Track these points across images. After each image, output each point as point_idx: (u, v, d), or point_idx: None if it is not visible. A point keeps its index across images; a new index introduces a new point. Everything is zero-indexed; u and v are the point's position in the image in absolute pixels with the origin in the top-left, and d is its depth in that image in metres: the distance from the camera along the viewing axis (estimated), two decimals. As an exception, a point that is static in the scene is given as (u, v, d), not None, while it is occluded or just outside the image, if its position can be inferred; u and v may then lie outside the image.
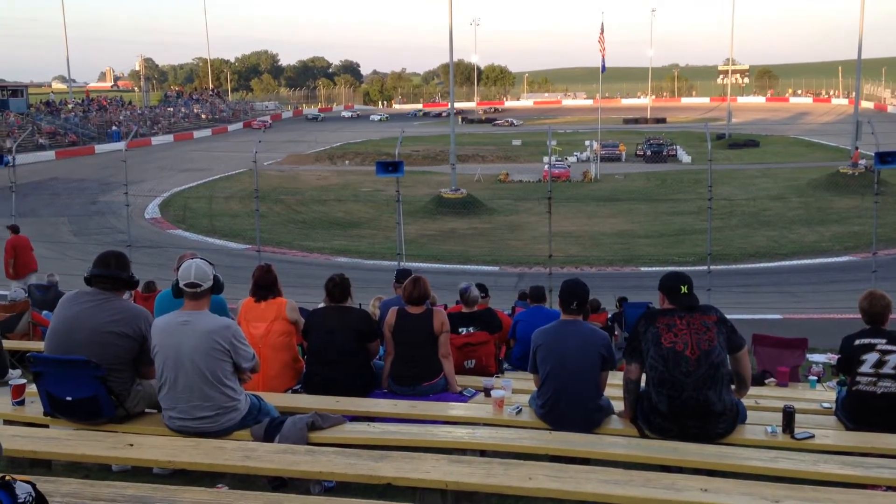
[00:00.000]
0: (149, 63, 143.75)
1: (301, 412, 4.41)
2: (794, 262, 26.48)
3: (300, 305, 5.92)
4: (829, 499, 3.24)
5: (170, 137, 70.74)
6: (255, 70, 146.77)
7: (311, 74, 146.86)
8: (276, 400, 4.82)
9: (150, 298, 8.81)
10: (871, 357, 4.71)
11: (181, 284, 4.22)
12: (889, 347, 4.70)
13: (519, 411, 4.81)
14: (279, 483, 4.05)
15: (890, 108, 79.91)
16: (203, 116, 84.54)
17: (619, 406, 4.77)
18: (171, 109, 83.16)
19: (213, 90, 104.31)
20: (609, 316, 13.85)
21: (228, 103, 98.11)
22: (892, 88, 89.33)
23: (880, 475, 3.73)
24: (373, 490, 3.74)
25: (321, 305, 5.95)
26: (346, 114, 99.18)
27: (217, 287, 4.35)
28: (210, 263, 4.38)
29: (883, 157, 16.30)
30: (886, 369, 4.67)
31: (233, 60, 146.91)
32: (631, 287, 18.65)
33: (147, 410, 4.48)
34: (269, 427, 4.19)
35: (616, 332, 12.78)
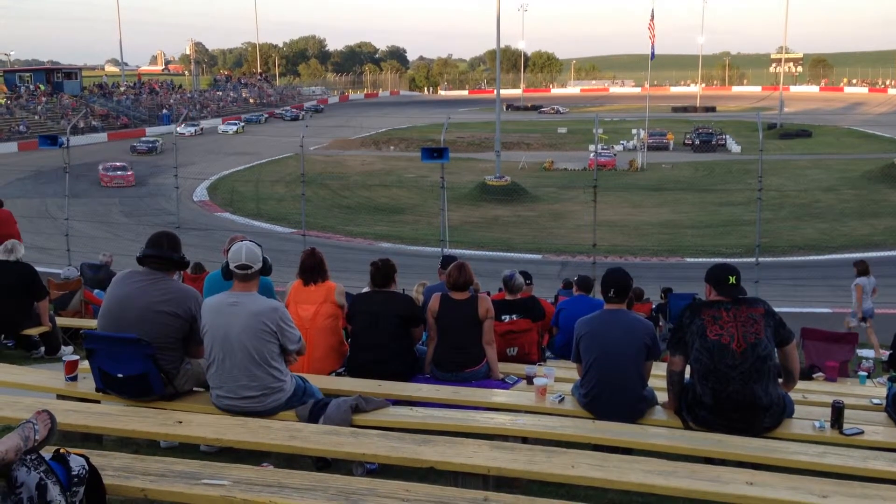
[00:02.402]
0: (199, 47, 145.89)
1: (345, 395, 4.45)
2: (845, 256, 25.85)
3: (346, 290, 5.98)
4: (878, 496, 3.18)
5: (218, 121, 71.65)
6: (303, 55, 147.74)
7: (357, 60, 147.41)
8: (320, 382, 4.87)
9: (199, 280, 8.98)
10: (926, 354, 4.59)
11: (232, 266, 4.28)
12: (944, 344, 4.58)
13: (561, 400, 4.80)
14: (323, 463, 4.10)
15: (950, 99, 77.49)
16: (251, 101, 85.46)
17: (662, 397, 4.73)
18: (220, 93, 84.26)
19: (261, 75, 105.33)
20: (654, 306, 13.74)
21: (276, 88, 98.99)
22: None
23: (932, 474, 3.64)
24: (414, 473, 3.78)
25: (365, 290, 6.00)
26: (225, 127, 67.54)
27: (266, 269, 4.41)
28: (259, 245, 4.44)
29: (942, 149, 15.80)
30: (941, 366, 4.56)
31: (281, 45, 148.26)
32: (676, 278, 18.45)
33: (195, 389, 4.57)
34: (314, 408, 4.25)
35: (661, 323, 12.68)
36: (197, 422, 4.03)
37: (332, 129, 55.94)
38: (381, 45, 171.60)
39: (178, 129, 34.06)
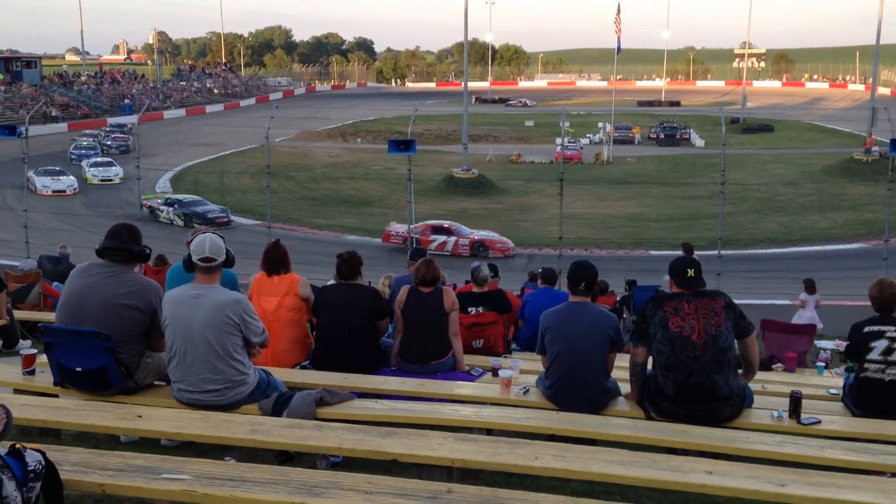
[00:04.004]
0: (162, 36, 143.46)
1: (309, 388, 4.44)
2: (805, 249, 26.37)
3: (310, 282, 5.95)
4: (834, 484, 3.24)
5: (182, 112, 70.69)
6: (269, 45, 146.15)
7: (324, 51, 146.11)
8: (284, 375, 4.85)
9: (161, 272, 8.88)
10: (880, 344, 4.70)
11: (194, 259, 4.23)
12: (899, 335, 4.68)
13: (526, 391, 4.82)
14: (286, 457, 4.08)
15: (908, 95, 79.05)
16: (216, 91, 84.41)
17: (626, 388, 4.78)
18: (184, 84, 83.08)
19: (225, 65, 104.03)
20: (618, 298, 13.85)
21: (241, 78, 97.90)
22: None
23: (886, 461, 3.73)
24: (378, 466, 3.77)
25: (331, 282, 5.97)
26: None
27: (229, 261, 4.37)
28: (222, 238, 4.40)
29: (899, 144, 16.14)
30: (895, 357, 4.66)
31: (246, 35, 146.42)
32: (640, 270, 18.63)
33: (156, 383, 4.52)
34: (278, 402, 4.22)
35: (625, 315, 12.79)
36: (157, 416, 3.98)
37: (299, 121, 55.57)
38: (349, 36, 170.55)
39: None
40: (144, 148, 27.60)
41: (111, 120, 60.19)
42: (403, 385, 4.95)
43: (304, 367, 5.47)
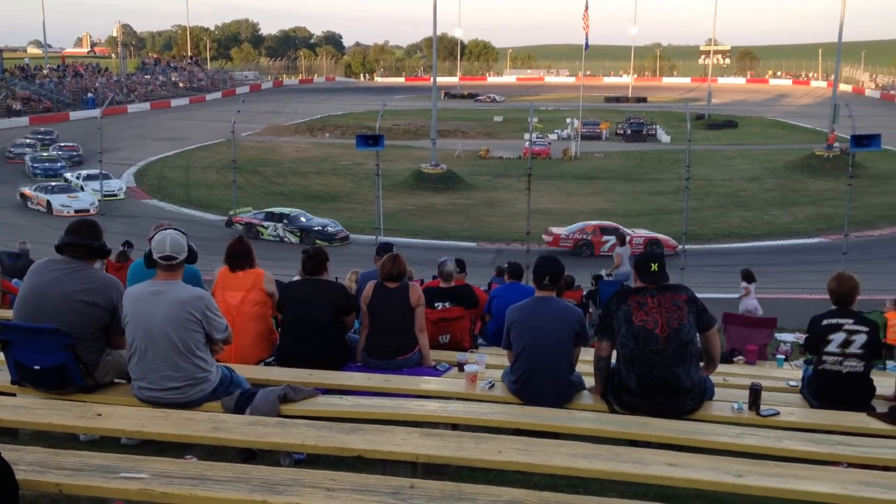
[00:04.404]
0: (126, 29, 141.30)
1: (273, 385, 4.41)
2: (767, 243, 26.79)
3: (276, 278, 5.91)
4: (791, 474, 3.30)
5: (146, 105, 69.69)
6: (235, 39, 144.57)
7: (292, 45, 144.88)
8: (248, 372, 4.81)
9: (123, 268, 8.74)
10: (838, 337, 4.78)
11: (155, 256, 4.18)
12: (855, 328, 4.78)
13: (492, 386, 4.84)
14: (249, 455, 4.05)
15: (868, 92, 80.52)
16: (181, 85, 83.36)
17: (590, 382, 4.81)
18: (149, 77, 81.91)
19: (191, 58, 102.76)
20: (584, 293, 13.96)
21: (207, 72, 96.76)
22: (871, 72, 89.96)
23: (843, 452, 3.80)
24: (343, 462, 3.76)
25: (296, 278, 5.93)
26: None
27: (191, 258, 4.32)
28: (184, 234, 4.34)
29: (859, 140, 16.50)
30: (852, 349, 4.75)
31: (212, 28, 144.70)
32: (608, 265, 18.72)
33: (116, 381, 4.45)
34: (241, 399, 4.18)
35: (591, 309, 12.89)
36: (117, 414, 3.93)
37: (266, 115, 55.00)
38: (317, 30, 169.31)
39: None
40: (107, 143, 27.03)
41: (73, 114, 59.15)
42: (369, 381, 4.94)
43: (268, 364, 5.43)
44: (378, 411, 4.16)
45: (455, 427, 4.19)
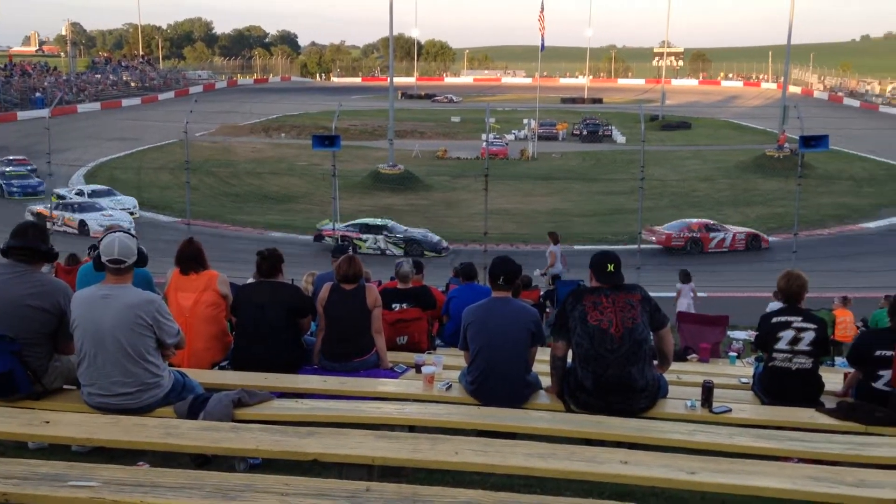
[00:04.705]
0: (76, 28, 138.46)
1: (228, 389, 4.35)
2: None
3: (231, 280, 5.83)
4: (742, 470, 3.36)
5: (97, 105, 68.30)
6: (188, 38, 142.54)
7: (246, 44, 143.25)
8: (202, 376, 4.75)
9: (73, 272, 8.55)
10: (787, 334, 4.88)
11: (104, 259, 4.09)
12: (804, 325, 4.88)
13: (449, 387, 4.84)
14: (203, 460, 3.99)
15: (816, 94, 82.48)
16: (133, 84, 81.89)
17: (547, 382, 4.84)
18: (99, 76, 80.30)
19: (143, 57, 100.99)
20: (542, 293, 14.05)
21: (159, 71, 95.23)
22: (819, 74, 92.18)
23: (792, 447, 3.88)
24: (298, 466, 3.72)
25: (250, 281, 5.86)
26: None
27: (142, 261, 4.24)
28: (134, 236, 4.26)
29: (807, 141, 16.85)
30: (801, 346, 4.85)
31: (165, 27, 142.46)
32: (714, 262, 18.79)
33: (65, 387, 4.36)
34: (194, 404, 4.12)
35: (548, 309, 12.97)
36: (66, 421, 3.84)
37: (220, 115, 54.30)
38: (272, 29, 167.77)
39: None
40: (56, 143, 26.40)
41: (21, 114, 57.59)
42: (325, 384, 4.91)
43: (222, 367, 5.36)
44: (334, 414, 4.14)
45: (412, 429, 4.19)
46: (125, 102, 72.65)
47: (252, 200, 34.29)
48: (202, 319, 5.35)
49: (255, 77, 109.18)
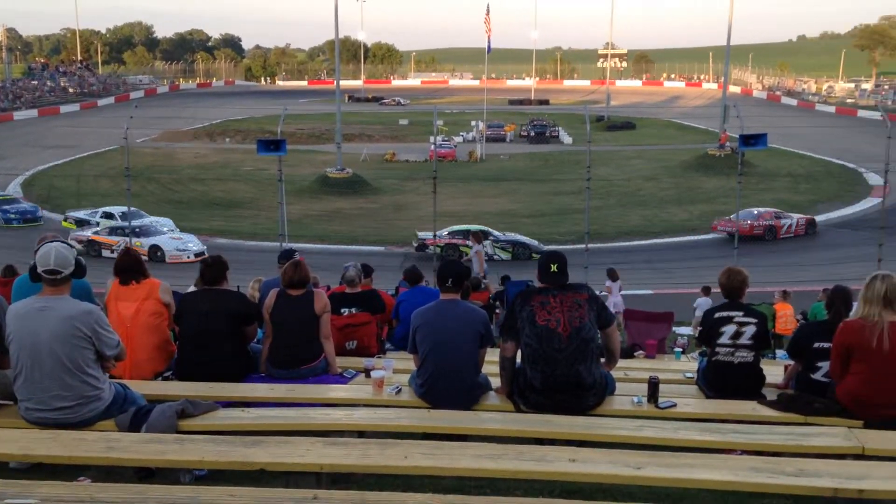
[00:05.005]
0: (11, 33, 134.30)
1: (171, 400, 4.26)
2: (666, 240, 27.76)
3: (174, 289, 5.72)
4: (686, 464, 3.41)
5: (34, 112, 66.56)
6: (129, 42, 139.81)
7: (188, 48, 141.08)
8: (145, 387, 4.65)
9: (9, 284, 8.28)
10: (729, 329, 4.98)
11: (39, 270, 3.98)
12: (745, 319, 4.98)
13: (399, 391, 4.82)
14: (146, 473, 3.91)
15: (755, 93, 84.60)
16: (71, 90, 79.95)
17: (496, 383, 4.85)
18: (36, 83, 78.21)
19: (81, 63, 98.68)
20: (492, 294, 14.09)
21: (99, 77, 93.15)
22: (758, 74, 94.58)
23: (735, 440, 3.96)
24: (246, 476, 3.67)
25: (191, 289, 5.76)
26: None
27: (80, 271, 4.12)
28: (71, 247, 4.15)
29: (747, 140, 17.27)
30: (743, 340, 4.96)
31: (104, 31, 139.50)
32: (514, 266, 19.04)
33: (1, 402, 4.21)
34: (136, 416, 4.03)
35: (498, 310, 13.01)
36: (3, 437, 3.72)
37: (162, 121, 53.36)
38: (214, 32, 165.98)
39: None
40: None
41: None
42: (272, 391, 4.84)
43: (166, 377, 5.25)
44: (281, 422, 4.09)
45: (362, 434, 4.16)
46: (63, 109, 70.92)
47: (196, 207, 33.75)
48: (144, 329, 5.24)
49: (198, 81, 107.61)
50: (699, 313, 14.23)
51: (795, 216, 28.05)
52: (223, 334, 5.26)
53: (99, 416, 4.01)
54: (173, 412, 4.01)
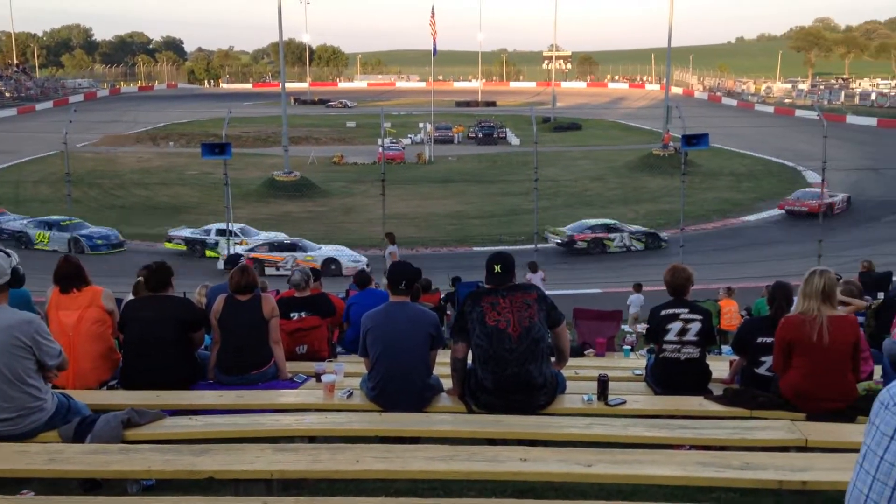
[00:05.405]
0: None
1: (117, 409, 4.16)
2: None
3: (118, 296, 5.60)
4: (635, 460, 3.46)
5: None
6: (67, 45, 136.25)
7: (129, 51, 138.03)
8: (90, 398, 4.54)
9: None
10: (676, 326, 5.07)
11: (-26, 279, 3.85)
12: (691, 316, 5.08)
13: (350, 395, 4.79)
14: (91, 485, 3.81)
15: (697, 94, 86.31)
16: (7, 95, 77.59)
17: (448, 384, 4.86)
18: (-31, 86, 75.70)
19: (18, 66, 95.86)
20: (442, 296, 14.11)
21: (36, 80, 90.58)
22: (699, 75, 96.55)
23: (683, 435, 4.03)
24: (195, 485, 3.61)
25: (129, 298, 5.64)
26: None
27: (17, 280, 4.00)
28: (7, 255, 4.03)
29: (689, 140, 17.64)
30: (689, 336, 5.05)
31: (41, 34, 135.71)
32: (464, 267, 19.07)
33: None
34: (80, 426, 3.93)
35: (449, 312, 13.05)
36: (-61, 453, 3.58)
37: (103, 125, 52.08)
38: (156, 35, 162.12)
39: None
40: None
41: None
42: (221, 398, 4.77)
43: (111, 387, 5.13)
44: (230, 429, 4.03)
45: (313, 440, 4.12)
46: (0, 114, 68.69)
47: (140, 212, 33.05)
48: (87, 337, 5.11)
49: (139, 84, 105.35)
50: (633, 310, 14.53)
51: (840, 194, 30.56)
52: (169, 341, 5.17)
53: (41, 427, 3.91)
54: (119, 422, 3.92)
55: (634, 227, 27.07)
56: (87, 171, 39.11)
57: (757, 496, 3.72)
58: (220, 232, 24.57)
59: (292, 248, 24.23)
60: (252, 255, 22.97)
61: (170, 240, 26.24)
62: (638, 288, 15.12)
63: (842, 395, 4.44)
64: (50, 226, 26.01)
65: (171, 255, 22.49)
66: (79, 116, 21.73)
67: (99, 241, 26.13)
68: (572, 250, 25.70)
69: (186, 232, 26.56)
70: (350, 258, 24.05)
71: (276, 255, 23.71)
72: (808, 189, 30.40)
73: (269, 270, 22.35)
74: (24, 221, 27.09)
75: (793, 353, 4.52)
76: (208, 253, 25.27)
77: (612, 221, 27.27)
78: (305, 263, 17.34)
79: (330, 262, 23.37)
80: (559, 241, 26.20)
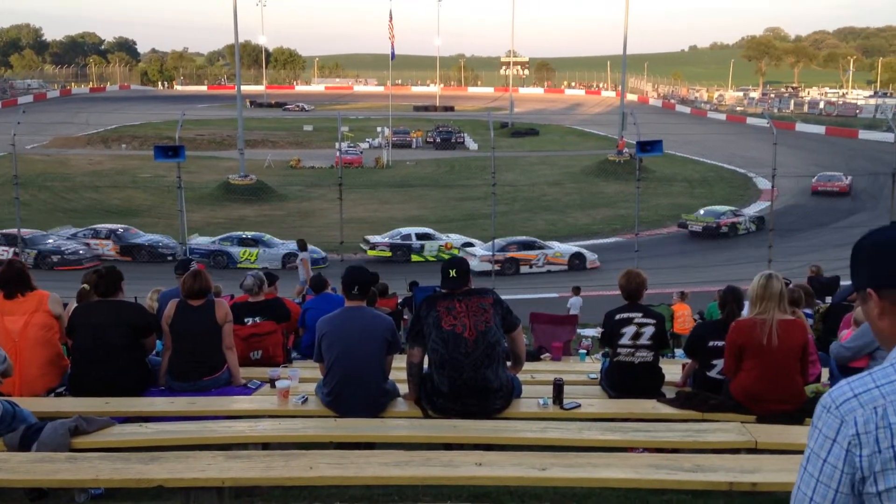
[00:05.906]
0: None
1: (65, 416, 4.06)
2: (571, 245, 28.34)
3: (66, 302, 5.47)
4: (589, 463, 3.48)
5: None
6: (15, 45, 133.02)
7: (80, 51, 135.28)
8: (36, 405, 4.42)
9: None
10: (630, 330, 5.13)
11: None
12: (645, 320, 5.14)
13: (305, 401, 4.75)
14: (38, 494, 3.71)
15: (651, 101, 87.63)
16: (-48, 94, 75.50)
17: (404, 389, 4.84)
18: (-88, 85, 73.41)
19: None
20: (399, 300, 14.07)
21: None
22: (654, 82, 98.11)
23: (637, 438, 4.08)
24: (145, 494, 3.54)
25: (73, 305, 5.51)
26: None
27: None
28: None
29: (643, 146, 17.87)
30: (643, 340, 5.11)
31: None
32: (423, 271, 19.07)
33: None
34: (26, 434, 3.83)
35: (406, 316, 13.01)
36: None
37: (53, 126, 50.88)
38: (108, 35, 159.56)
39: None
40: None
41: None
42: (172, 405, 4.69)
43: (59, 394, 5.01)
44: (181, 436, 3.96)
45: (266, 446, 4.07)
46: (-57, 114, 66.76)
47: (92, 215, 32.32)
48: (34, 343, 4.98)
49: (91, 86, 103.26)
50: (573, 312, 14.69)
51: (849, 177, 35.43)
52: (119, 347, 5.06)
53: (-16, 437, 3.79)
54: (66, 429, 3.83)
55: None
56: (37, 173, 38.25)
57: (708, 498, 3.78)
58: (424, 236, 25.86)
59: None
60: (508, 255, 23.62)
61: (373, 247, 25.45)
62: (577, 291, 15.41)
63: (791, 398, 4.53)
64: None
65: (374, 263, 21.39)
66: (28, 118, 21.21)
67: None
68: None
69: (379, 238, 26.14)
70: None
71: (531, 254, 24.53)
72: (834, 173, 36.30)
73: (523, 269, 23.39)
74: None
75: (743, 356, 4.59)
76: (413, 258, 25.12)
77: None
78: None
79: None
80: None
